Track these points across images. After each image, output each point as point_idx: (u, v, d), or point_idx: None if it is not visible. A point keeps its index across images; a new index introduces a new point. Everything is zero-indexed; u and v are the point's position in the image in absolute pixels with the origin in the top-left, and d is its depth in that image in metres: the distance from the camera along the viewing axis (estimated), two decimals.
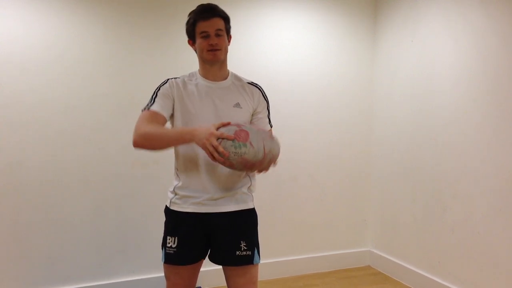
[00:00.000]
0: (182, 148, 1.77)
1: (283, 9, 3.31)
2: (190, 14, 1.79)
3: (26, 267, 2.74)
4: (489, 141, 2.55)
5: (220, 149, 1.49)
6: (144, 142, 1.67)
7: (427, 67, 3.00)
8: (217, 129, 1.55)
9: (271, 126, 1.91)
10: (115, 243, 2.95)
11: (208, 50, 1.73)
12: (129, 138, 2.89)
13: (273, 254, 3.32)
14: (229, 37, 1.82)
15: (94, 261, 2.90)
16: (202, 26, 1.73)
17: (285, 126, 3.31)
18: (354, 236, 3.63)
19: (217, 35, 1.73)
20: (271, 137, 1.60)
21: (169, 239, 1.79)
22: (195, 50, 1.82)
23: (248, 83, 1.87)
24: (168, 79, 1.80)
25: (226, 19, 1.79)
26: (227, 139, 1.50)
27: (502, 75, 2.47)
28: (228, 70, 1.87)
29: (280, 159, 3.67)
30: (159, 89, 1.77)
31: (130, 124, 2.89)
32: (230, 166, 1.56)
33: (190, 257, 1.79)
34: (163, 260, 1.80)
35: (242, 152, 1.50)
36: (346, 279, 3.35)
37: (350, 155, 3.57)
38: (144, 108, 1.73)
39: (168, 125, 1.81)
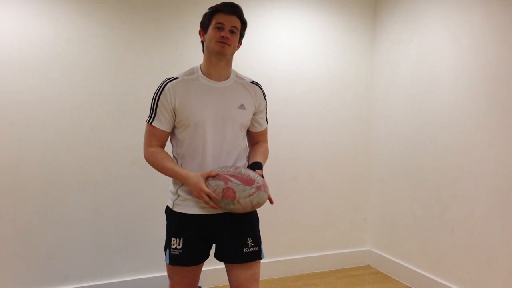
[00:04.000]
0: (184, 150, 1.78)
1: (283, 9, 3.31)
2: (211, 7, 1.80)
3: (26, 267, 2.74)
4: (489, 141, 2.55)
5: (211, 204, 1.64)
6: (151, 164, 1.80)
7: (426, 67, 3.00)
8: (206, 178, 1.65)
9: (267, 123, 2.01)
10: (115, 243, 2.95)
11: (218, 41, 1.73)
12: (129, 137, 2.92)
13: (273, 253, 3.32)
14: (239, 42, 1.84)
15: (94, 260, 2.90)
16: (220, 17, 1.74)
17: (285, 125, 3.31)
18: (354, 235, 3.64)
19: (231, 32, 1.75)
20: (259, 188, 1.64)
21: (173, 240, 1.78)
22: (202, 43, 1.82)
23: (250, 82, 1.89)
24: (166, 84, 1.75)
25: (244, 23, 1.82)
26: (216, 200, 1.63)
27: (502, 75, 2.47)
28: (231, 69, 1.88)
29: (280, 158, 3.63)
30: (158, 97, 1.75)
31: (130, 123, 2.92)
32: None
33: (196, 258, 1.80)
34: (168, 261, 1.78)
35: (230, 208, 1.65)
36: (346, 279, 3.35)
37: (350, 155, 3.58)
38: (148, 120, 1.78)
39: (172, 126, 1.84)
